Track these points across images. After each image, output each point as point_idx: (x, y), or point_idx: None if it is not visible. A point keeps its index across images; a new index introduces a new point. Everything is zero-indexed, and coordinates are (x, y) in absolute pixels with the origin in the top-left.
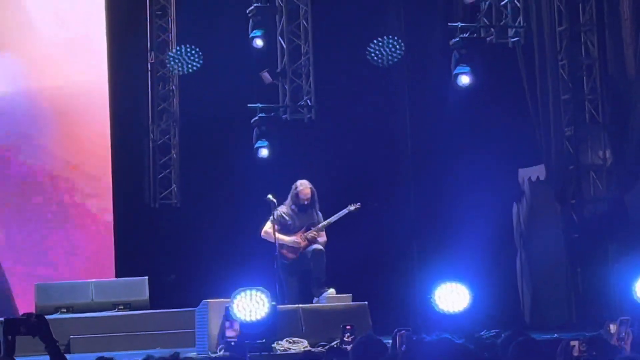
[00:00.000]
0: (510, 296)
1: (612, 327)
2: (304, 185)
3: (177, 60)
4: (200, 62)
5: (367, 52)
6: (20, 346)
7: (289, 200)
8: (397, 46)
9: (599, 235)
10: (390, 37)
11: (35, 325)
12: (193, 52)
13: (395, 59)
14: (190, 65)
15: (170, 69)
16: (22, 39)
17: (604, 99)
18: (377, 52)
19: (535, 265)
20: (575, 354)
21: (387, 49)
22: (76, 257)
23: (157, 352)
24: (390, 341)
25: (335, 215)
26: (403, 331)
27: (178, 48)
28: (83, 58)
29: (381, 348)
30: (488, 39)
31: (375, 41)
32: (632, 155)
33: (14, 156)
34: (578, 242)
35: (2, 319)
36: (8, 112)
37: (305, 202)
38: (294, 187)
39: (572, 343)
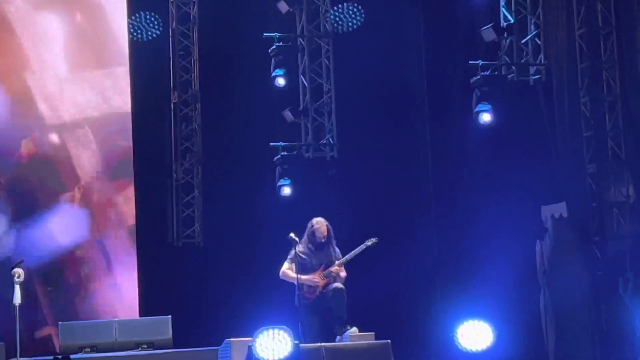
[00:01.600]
0: (534, 335)
1: None
2: (320, 223)
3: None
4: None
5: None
6: None
7: (305, 239)
8: (357, 12)
9: (623, 272)
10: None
11: None
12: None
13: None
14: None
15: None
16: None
17: (627, 135)
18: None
19: (559, 304)
20: None
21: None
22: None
23: None
24: None
25: (352, 252)
26: None
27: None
28: (107, 95)
29: None
30: (509, 76)
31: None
32: None
33: None
34: (601, 279)
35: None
36: None
37: (322, 240)
38: (309, 225)
39: None
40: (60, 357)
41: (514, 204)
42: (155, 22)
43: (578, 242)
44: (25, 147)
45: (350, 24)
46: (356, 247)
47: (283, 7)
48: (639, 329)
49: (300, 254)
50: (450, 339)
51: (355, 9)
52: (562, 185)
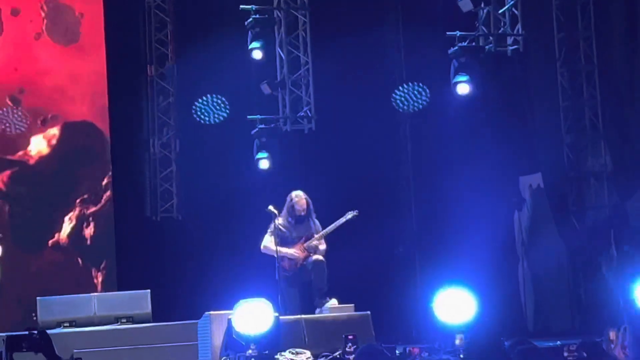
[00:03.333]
0: (513, 305)
1: (612, 334)
2: (299, 197)
3: (203, 111)
4: (227, 111)
5: (392, 99)
6: None
7: (284, 212)
8: (423, 93)
9: (600, 241)
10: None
11: (38, 341)
12: (220, 102)
13: (421, 106)
14: (217, 115)
15: (197, 118)
16: None
17: (604, 105)
18: (402, 98)
19: (538, 273)
20: (566, 354)
21: (413, 95)
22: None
23: None
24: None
25: (333, 224)
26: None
27: (204, 99)
28: (81, 70)
29: (383, 357)
30: (487, 47)
31: (400, 87)
32: (632, 161)
33: None
34: (579, 249)
35: (4, 335)
36: None
37: (302, 213)
38: (288, 198)
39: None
40: (35, 332)
41: (492, 174)
42: None
43: (554, 212)
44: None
45: None
46: (336, 220)
47: None
48: (623, 298)
49: (280, 227)
50: (430, 311)
51: None
52: (538, 156)
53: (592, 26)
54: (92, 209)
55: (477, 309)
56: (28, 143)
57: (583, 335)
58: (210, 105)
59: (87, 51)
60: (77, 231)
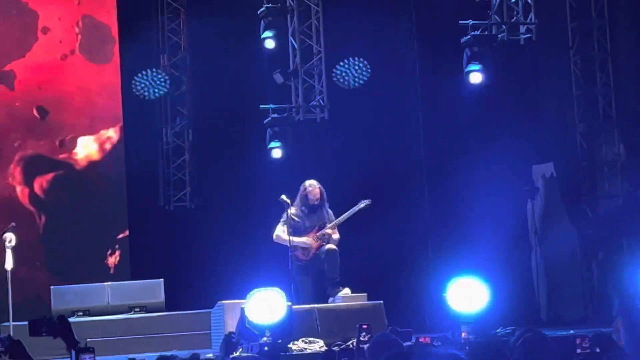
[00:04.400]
0: (526, 293)
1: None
2: (312, 186)
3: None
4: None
5: (332, 74)
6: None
7: (298, 202)
8: (364, 68)
9: (614, 230)
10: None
11: (57, 326)
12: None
13: (362, 81)
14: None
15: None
16: None
17: (617, 93)
18: (342, 73)
19: (551, 262)
20: (579, 350)
21: (354, 70)
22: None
23: (174, 353)
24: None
25: (346, 213)
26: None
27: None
28: (95, 61)
29: (398, 347)
30: (499, 36)
31: (341, 63)
32: None
33: None
34: (592, 238)
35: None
36: None
37: (315, 203)
38: (302, 188)
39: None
40: (57, 317)
41: (505, 163)
42: None
43: (565, 201)
44: None
45: None
46: (349, 209)
47: None
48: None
49: (293, 217)
50: (443, 300)
51: None
52: (550, 145)
53: (606, 14)
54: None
55: (489, 298)
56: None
57: (596, 325)
58: (151, 80)
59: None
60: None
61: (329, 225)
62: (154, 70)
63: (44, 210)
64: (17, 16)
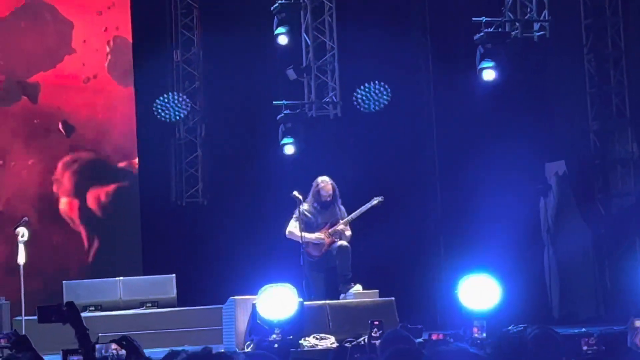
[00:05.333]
0: (538, 291)
1: (638, 322)
2: (325, 182)
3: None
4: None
5: (353, 98)
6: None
7: (310, 198)
8: (384, 92)
9: (627, 228)
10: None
11: (67, 313)
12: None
13: (382, 105)
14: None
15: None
16: None
17: (631, 91)
18: (363, 97)
19: (563, 260)
20: (585, 347)
21: (375, 94)
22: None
23: (185, 348)
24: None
25: (359, 210)
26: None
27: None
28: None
29: (409, 343)
30: (513, 33)
31: (362, 87)
32: None
33: None
34: (605, 236)
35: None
36: None
37: (328, 199)
38: (314, 184)
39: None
40: (65, 304)
41: (518, 161)
42: None
43: (580, 199)
44: None
45: None
46: (361, 206)
47: None
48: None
49: (306, 213)
50: (454, 297)
51: None
52: (564, 143)
53: (620, 12)
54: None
55: (501, 295)
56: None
57: (608, 323)
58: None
59: None
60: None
61: (341, 222)
62: (175, 94)
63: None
64: (52, 24)
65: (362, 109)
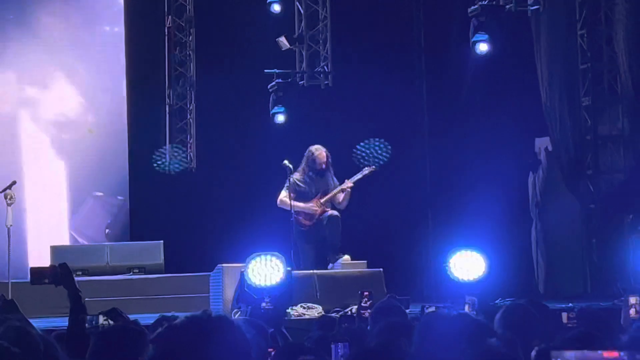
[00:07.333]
0: (525, 265)
1: (633, 299)
2: (319, 150)
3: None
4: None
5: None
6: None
7: (304, 166)
8: (384, 149)
9: (615, 206)
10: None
11: (59, 274)
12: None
13: (382, 161)
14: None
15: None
16: None
17: (623, 68)
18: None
19: (551, 235)
20: (565, 321)
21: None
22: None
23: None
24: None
25: (352, 178)
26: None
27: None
28: (99, 21)
29: (400, 314)
30: (507, 6)
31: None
32: None
33: None
34: (594, 213)
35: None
36: None
37: (322, 167)
38: (309, 152)
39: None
40: (58, 265)
41: (508, 135)
42: None
43: (569, 175)
44: None
45: None
46: (351, 176)
47: None
48: None
49: (298, 182)
50: (443, 269)
51: None
52: (548, 119)
53: None
54: None
55: (488, 269)
56: None
57: (594, 299)
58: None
59: None
60: None
61: (333, 192)
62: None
63: None
64: None
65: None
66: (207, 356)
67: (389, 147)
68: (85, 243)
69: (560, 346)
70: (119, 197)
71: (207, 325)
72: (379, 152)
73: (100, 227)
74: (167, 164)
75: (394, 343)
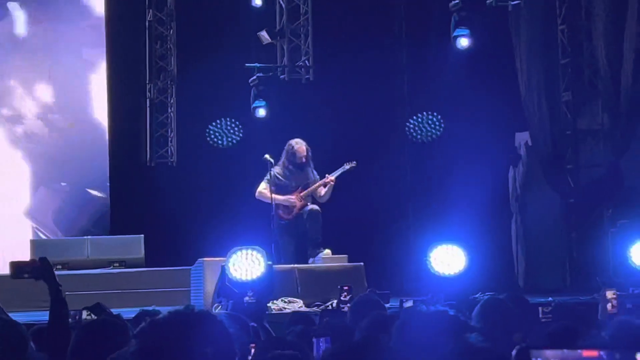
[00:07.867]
0: (505, 259)
1: (610, 294)
2: (299, 144)
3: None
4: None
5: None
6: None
7: (283, 160)
8: (437, 122)
9: (595, 200)
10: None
11: (40, 268)
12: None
13: (435, 136)
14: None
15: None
16: None
17: (603, 63)
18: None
19: (531, 230)
20: (540, 315)
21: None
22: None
23: (155, 308)
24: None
25: (332, 174)
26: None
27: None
28: (79, 14)
29: (379, 308)
30: (488, 1)
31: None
32: (624, 118)
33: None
34: (574, 207)
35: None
36: None
37: (302, 160)
38: (289, 146)
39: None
40: (39, 259)
41: (488, 129)
42: None
43: (549, 170)
44: None
45: None
46: (332, 170)
47: None
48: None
49: (279, 176)
50: (423, 263)
51: None
52: (527, 113)
53: None
54: None
55: (468, 263)
56: None
57: (574, 293)
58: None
59: None
60: None
61: (313, 186)
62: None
63: None
64: None
65: (414, 138)
66: (191, 351)
67: (442, 122)
68: (65, 237)
69: (537, 342)
70: (98, 192)
71: (190, 320)
72: (432, 126)
73: (79, 220)
74: (147, 158)
75: (376, 338)
